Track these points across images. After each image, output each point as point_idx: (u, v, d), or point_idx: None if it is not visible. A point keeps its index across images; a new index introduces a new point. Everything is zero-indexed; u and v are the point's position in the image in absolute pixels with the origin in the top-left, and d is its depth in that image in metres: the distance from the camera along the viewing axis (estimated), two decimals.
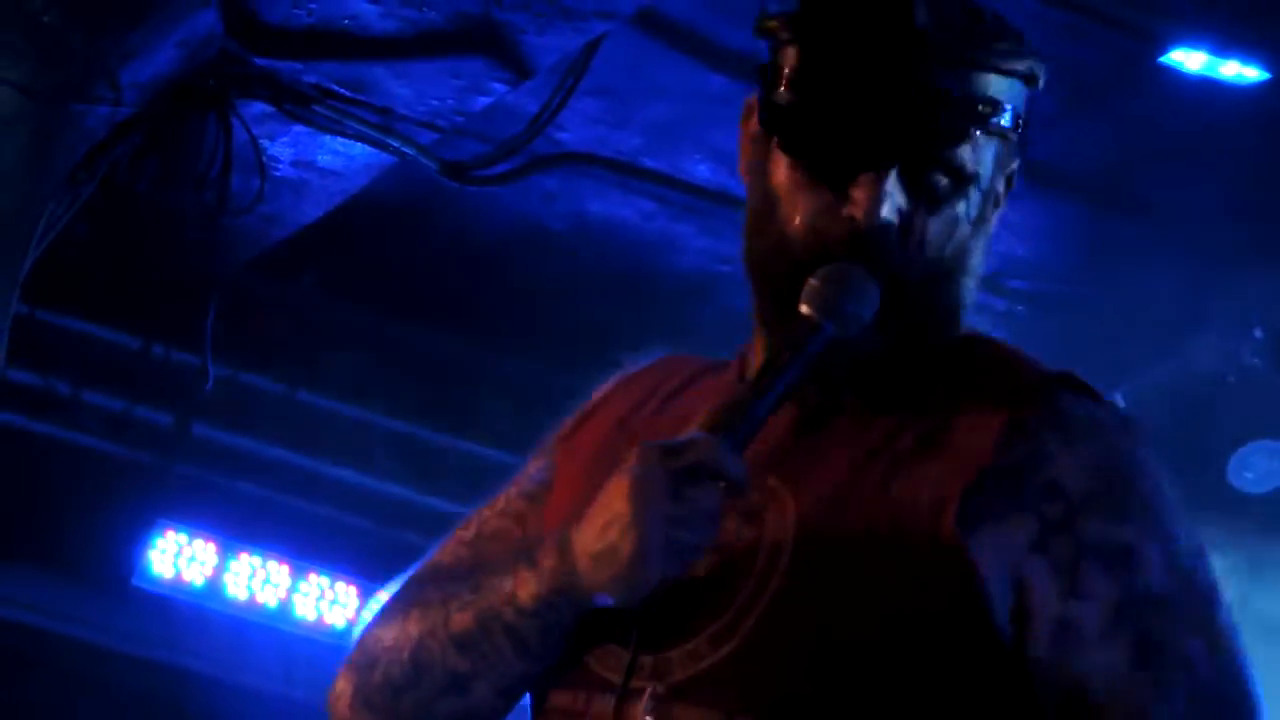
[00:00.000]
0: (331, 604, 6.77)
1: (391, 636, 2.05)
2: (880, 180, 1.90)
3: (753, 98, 2.04)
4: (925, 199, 1.93)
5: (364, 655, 2.07)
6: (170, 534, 6.62)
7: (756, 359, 1.98)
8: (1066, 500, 1.87)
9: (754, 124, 2.02)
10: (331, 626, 6.77)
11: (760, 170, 2.00)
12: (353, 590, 6.80)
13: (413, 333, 6.71)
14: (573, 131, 5.69)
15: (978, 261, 2.03)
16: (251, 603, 6.70)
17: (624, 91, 5.51)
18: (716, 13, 5.22)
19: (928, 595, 1.85)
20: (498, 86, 5.18)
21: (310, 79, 5.27)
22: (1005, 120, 1.96)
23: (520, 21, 4.92)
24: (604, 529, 1.86)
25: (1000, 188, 2.03)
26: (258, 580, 6.72)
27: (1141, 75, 5.10)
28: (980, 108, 1.93)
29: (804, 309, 1.90)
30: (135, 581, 6.61)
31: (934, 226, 1.94)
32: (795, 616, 1.86)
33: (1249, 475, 6.21)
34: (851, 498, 1.89)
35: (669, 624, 1.89)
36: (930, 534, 1.85)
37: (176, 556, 6.63)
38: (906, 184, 1.92)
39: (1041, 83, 2.02)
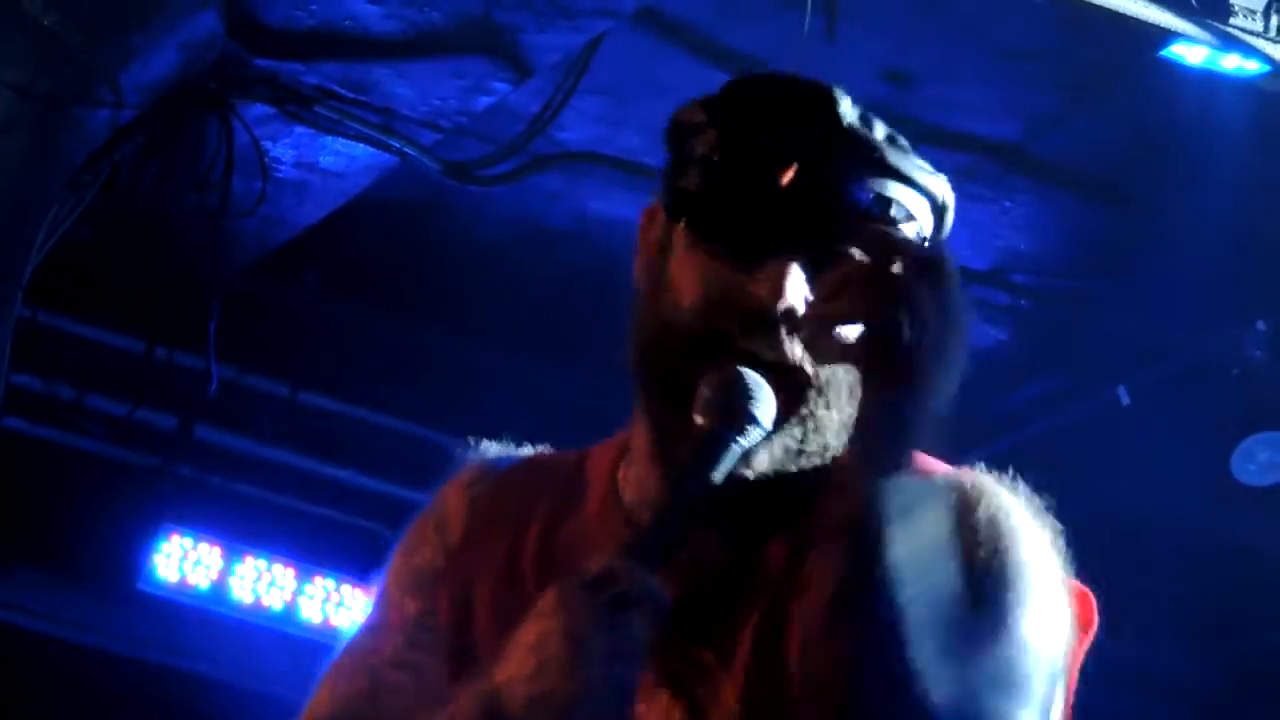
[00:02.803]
0: (338, 606, 6.77)
1: None
2: (790, 265, 1.85)
3: (652, 206, 1.99)
4: (829, 293, 1.87)
5: None
6: (175, 537, 6.62)
7: (639, 465, 1.94)
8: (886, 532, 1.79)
9: (654, 229, 1.97)
10: (338, 629, 6.76)
11: (659, 261, 1.95)
12: (358, 592, 6.79)
13: (416, 334, 6.71)
14: (574, 131, 5.69)
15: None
16: (257, 606, 6.70)
17: (625, 90, 5.51)
18: (717, 11, 5.22)
19: None
20: (499, 86, 5.19)
21: (311, 80, 5.27)
22: (914, 228, 1.92)
23: (521, 21, 4.92)
24: (537, 675, 1.77)
25: None
26: (263, 583, 6.71)
27: (1142, 69, 5.10)
28: (892, 211, 1.88)
29: (698, 419, 1.84)
30: (140, 585, 6.60)
31: (839, 325, 1.88)
32: None
33: (1252, 468, 6.21)
34: (768, 669, 1.84)
35: None
36: None
37: (181, 560, 6.63)
38: (815, 274, 1.87)
39: (949, 217, 1.97)
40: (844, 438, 1.90)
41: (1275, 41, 4.89)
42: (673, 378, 1.89)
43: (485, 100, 5.27)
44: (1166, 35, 4.84)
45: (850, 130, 1.89)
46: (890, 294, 1.81)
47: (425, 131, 5.43)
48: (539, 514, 2.04)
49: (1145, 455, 6.19)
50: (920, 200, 1.93)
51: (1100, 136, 5.54)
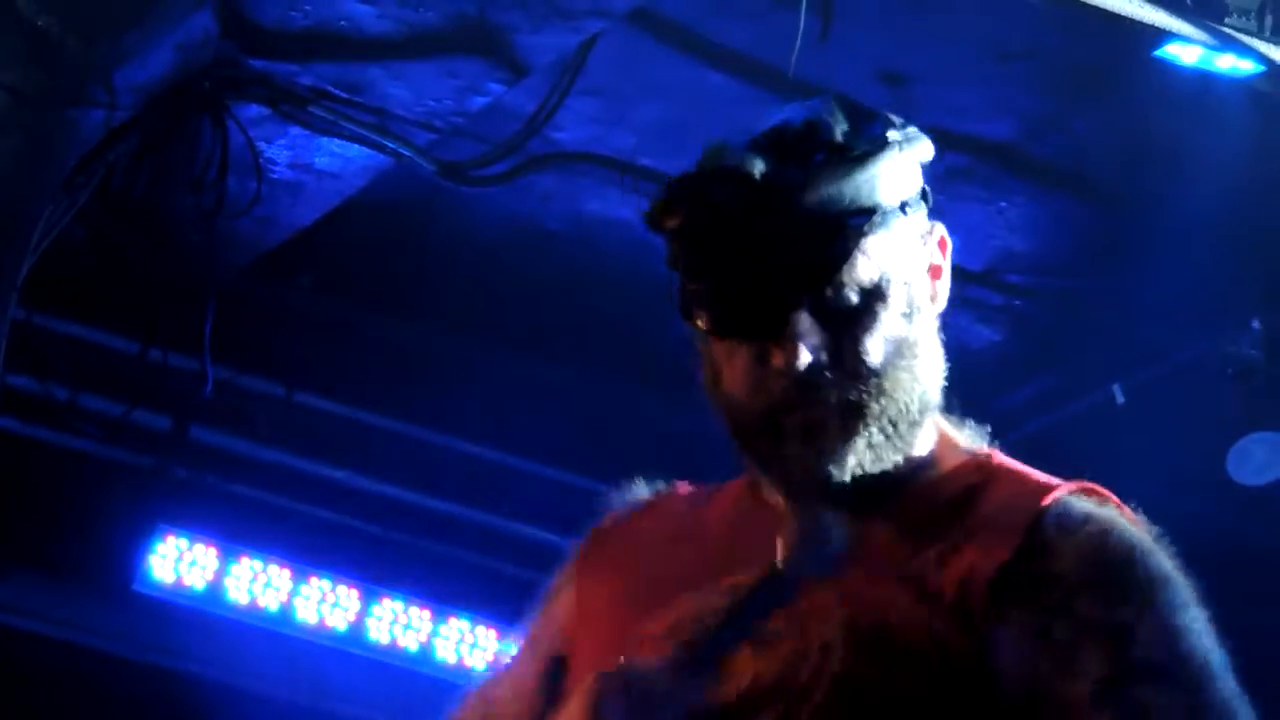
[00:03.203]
0: (334, 607, 6.76)
1: None
2: (791, 329, 1.97)
3: None
4: (844, 321, 2.00)
5: None
6: (171, 538, 6.61)
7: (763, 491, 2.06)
8: (1065, 586, 1.95)
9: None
10: (334, 630, 6.76)
11: (702, 349, 2.07)
12: (354, 593, 6.79)
13: (411, 334, 6.71)
14: (569, 131, 5.69)
15: (929, 354, 2.06)
16: (253, 606, 6.69)
17: (620, 90, 5.51)
18: (711, 11, 5.22)
19: (955, 695, 1.92)
20: (494, 86, 5.18)
21: (306, 81, 5.27)
22: (888, 209, 2.01)
23: (516, 21, 4.91)
24: None
25: (927, 264, 2.07)
26: (259, 584, 6.71)
27: (1137, 70, 5.10)
28: (850, 223, 1.98)
29: (780, 550, 1.97)
30: (136, 587, 6.59)
31: (864, 341, 2.00)
32: (847, 714, 1.93)
33: (1248, 467, 6.21)
34: (890, 606, 1.95)
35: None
36: (958, 640, 1.92)
37: (177, 561, 6.62)
38: (819, 316, 1.99)
39: (923, 147, 2.05)
40: (930, 390, 2.05)
41: (1270, 41, 4.89)
42: (751, 450, 2.03)
43: (480, 101, 5.26)
44: (1161, 35, 4.84)
45: (770, 183, 1.96)
46: None
47: (420, 132, 5.42)
48: (666, 534, 2.15)
49: (1140, 454, 6.19)
50: (870, 179, 2.00)
51: (1095, 137, 5.54)
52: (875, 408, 1.99)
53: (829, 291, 1.98)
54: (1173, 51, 4.91)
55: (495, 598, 6.91)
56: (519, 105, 5.46)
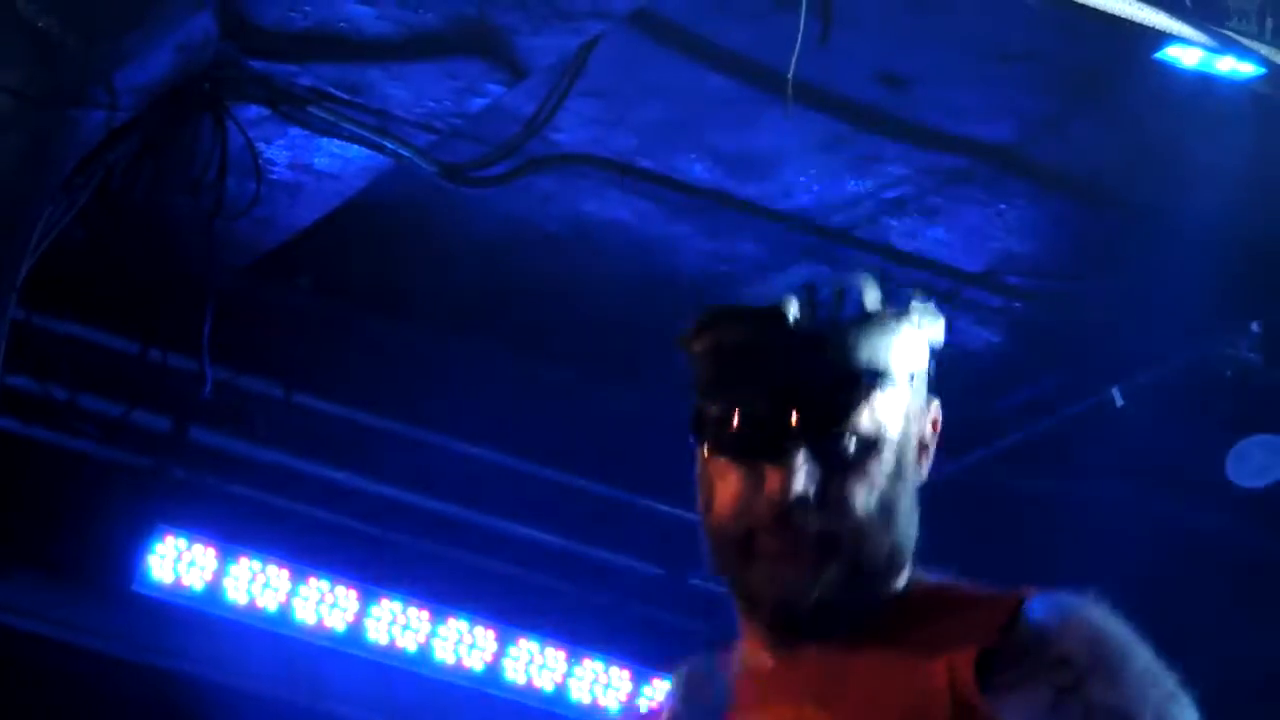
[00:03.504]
0: (332, 607, 6.76)
1: None
2: (790, 459, 2.12)
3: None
4: (837, 465, 2.14)
5: None
6: (169, 539, 6.61)
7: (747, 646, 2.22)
8: (1075, 670, 2.08)
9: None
10: (332, 630, 6.76)
11: (701, 468, 2.21)
12: (353, 594, 6.79)
13: (411, 334, 6.71)
14: (569, 132, 5.69)
15: (907, 518, 2.19)
16: (251, 607, 6.69)
17: (619, 92, 5.51)
18: (711, 12, 5.22)
19: None
20: (494, 88, 5.19)
21: (305, 81, 5.27)
22: (899, 376, 2.17)
23: (515, 22, 4.92)
24: None
25: (919, 437, 2.21)
26: (258, 584, 6.70)
27: (1137, 72, 5.11)
28: (864, 379, 2.14)
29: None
30: (135, 587, 6.59)
31: (852, 486, 2.14)
32: None
33: (1247, 470, 6.21)
34: (880, 699, 2.09)
35: None
36: (959, 704, 2.05)
37: (176, 561, 6.62)
38: (817, 455, 2.13)
39: (937, 328, 2.22)
40: (903, 551, 2.17)
41: (1270, 44, 4.90)
42: (731, 574, 2.17)
43: (480, 102, 5.27)
44: (1161, 37, 4.85)
45: (801, 329, 2.13)
46: None
47: (420, 133, 5.43)
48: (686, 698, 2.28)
49: (1139, 457, 6.19)
50: (885, 346, 2.16)
51: (1095, 139, 5.54)
52: (849, 547, 2.12)
53: (830, 436, 2.12)
54: (1173, 54, 4.92)
55: (494, 598, 6.92)
56: (518, 106, 5.46)
